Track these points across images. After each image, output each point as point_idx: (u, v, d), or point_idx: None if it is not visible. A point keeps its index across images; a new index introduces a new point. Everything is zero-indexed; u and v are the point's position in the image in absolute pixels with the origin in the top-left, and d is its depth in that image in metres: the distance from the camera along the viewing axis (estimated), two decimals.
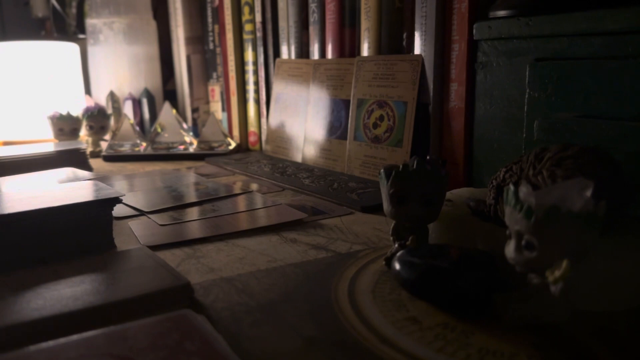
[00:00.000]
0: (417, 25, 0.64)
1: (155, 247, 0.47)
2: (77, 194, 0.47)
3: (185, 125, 1.05)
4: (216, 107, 1.11)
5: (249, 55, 0.96)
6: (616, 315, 0.33)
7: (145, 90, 1.14)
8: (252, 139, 1.00)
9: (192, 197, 0.64)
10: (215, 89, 1.11)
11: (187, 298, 0.36)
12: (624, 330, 0.31)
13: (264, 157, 0.88)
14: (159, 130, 1.01)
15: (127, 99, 1.13)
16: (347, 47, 0.77)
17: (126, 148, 0.97)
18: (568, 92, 0.50)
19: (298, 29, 0.85)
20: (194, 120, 1.16)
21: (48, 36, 1.50)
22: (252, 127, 0.99)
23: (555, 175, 0.35)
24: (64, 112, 0.97)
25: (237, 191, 0.67)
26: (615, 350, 0.29)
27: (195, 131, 1.14)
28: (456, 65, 0.61)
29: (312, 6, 0.81)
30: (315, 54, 0.82)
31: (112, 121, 1.05)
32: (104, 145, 1.01)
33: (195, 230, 0.52)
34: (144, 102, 1.14)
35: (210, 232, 0.51)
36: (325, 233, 0.51)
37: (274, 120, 0.90)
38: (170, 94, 1.22)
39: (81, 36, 1.40)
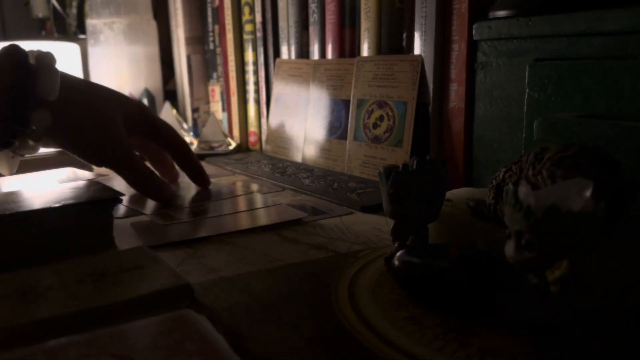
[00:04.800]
0: (417, 26, 0.64)
1: (155, 247, 0.47)
2: (77, 194, 0.47)
3: (185, 125, 1.05)
4: (216, 107, 1.11)
5: (249, 56, 0.96)
6: (616, 315, 0.33)
7: (145, 90, 1.14)
8: (252, 139, 1.00)
9: (192, 197, 0.64)
10: (216, 89, 1.11)
11: (187, 298, 0.36)
12: (624, 330, 0.31)
13: (264, 157, 0.88)
14: None
15: None
16: (347, 47, 0.77)
17: None
18: (568, 92, 0.50)
19: (298, 29, 0.85)
20: (194, 120, 1.16)
21: (48, 36, 1.50)
22: (252, 127, 0.99)
23: (555, 175, 0.35)
24: None
25: (238, 191, 0.67)
26: (615, 350, 0.29)
27: (196, 131, 1.14)
28: (456, 66, 0.61)
29: (312, 6, 0.81)
30: (315, 54, 0.82)
31: None
32: None
33: (195, 230, 0.52)
34: (144, 102, 1.14)
35: (210, 232, 0.51)
36: (325, 233, 0.51)
37: (274, 120, 0.90)
38: (171, 94, 1.22)
39: (81, 36, 1.40)
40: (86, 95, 0.56)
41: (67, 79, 0.54)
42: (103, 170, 0.85)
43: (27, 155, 0.76)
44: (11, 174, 0.56)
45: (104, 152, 0.55)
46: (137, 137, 0.61)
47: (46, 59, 0.51)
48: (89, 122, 0.53)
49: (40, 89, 0.50)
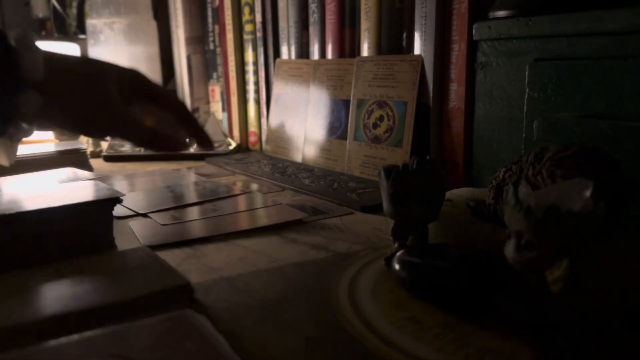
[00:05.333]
0: (417, 26, 0.64)
1: (155, 247, 0.47)
2: (77, 194, 0.47)
3: None
4: (216, 107, 1.11)
5: (249, 56, 0.96)
6: (616, 315, 0.33)
7: None
8: (252, 139, 1.00)
9: (192, 197, 0.64)
10: (216, 89, 1.11)
11: (188, 298, 0.36)
12: (624, 330, 0.31)
13: (264, 157, 0.88)
14: None
15: None
16: (347, 47, 0.77)
17: (126, 148, 0.97)
18: (568, 92, 0.50)
19: (298, 29, 0.85)
20: None
21: (48, 36, 1.50)
22: (252, 127, 0.99)
23: (555, 175, 0.35)
24: None
25: (237, 191, 0.67)
26: (615, 350, 0.29)
27: None
28: (456, 66, 0.61)
29: (312, 6, 0.81)
30: (315, 54, 0.82)
31: None
32: (104, 145, 1.01)
33: (195, 230, 0.52)
34: None
35: (210, 232, 0.51)
36: (325, 233, 0.51)
37: (274, 120, 0.90)
38: None
39: (82, 36, 1.40)
40: (76, 70, 0.55)
41: (55, 57, 0.53)
42: (103, 170, 0.85)
43: (30, 154, 0.76)
44: (11, 163, 0.55)
45: (101, 124, 0.54)
46: (137, 104, 0.60)
47: (26, 39, 0.51)
48: (82, 97, 0.52)
49: (24, 70, 0.49)
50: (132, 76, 0.58)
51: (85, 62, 0.57)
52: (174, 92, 0.64)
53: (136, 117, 0.56)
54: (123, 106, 0.54)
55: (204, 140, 0.63)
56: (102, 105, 0.53)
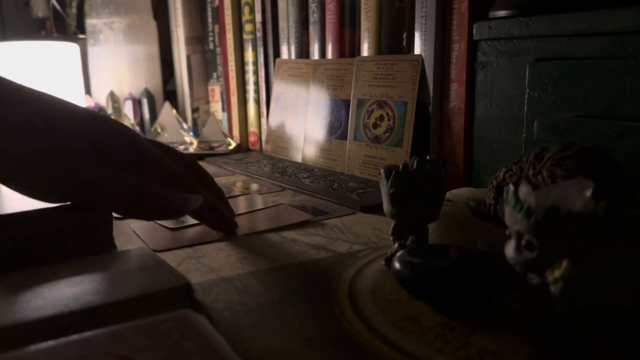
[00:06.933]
0: (417, 25, 0.64)
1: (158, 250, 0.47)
2: None
3: (185, 125, 1.05)
4: (216, 107, 1.11)
5: (249, 55, 0.96)
6: (616, 315, 0.33)
7: (145, 90, 1.14)
8: (252, 139, 1.00)
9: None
10: (215, 89, 1.11)
11: (187, 298, 0.36)
12: (624, 330, 0.31)
13: (264, 157, 0.88)
14: (159, 130, 1.01)
15: (127, 99, 1.13)
16: (347, 47, 0.77)
17: None
18: (568, 92, 0.50)
19: (298, 29, 0.85)
20: (194, 120, 1.16)
21: (48, 36, 1.50)
22: (252, 127, 0.99)
23: (555, 175, 0.35)
24: None
25: (237, 192, 0.67)
26: (615, 350, 0.29)
27: (195, 131, 1.14)
28: (456, 65, 0.61)
29: (312, 6, 0.81)
30: (315, 54, 0.82)
31: None
32: None
33: (198, 233, 0.52)
34: (144, 102, 1.14)
35: (214, 236, 0.50)
36: (325, 233, 0.51)
37: (274, 120, 0.90)
38: (170, 94, 1.22)
39: (81, 36, 1.40)
40: (26, 110, 0.40)
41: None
42: None
43: None
44: None
45: (62, 183, 0.39)
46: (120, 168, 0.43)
47: None
48: (33, 147, 0.39)
49: None
50: (109, 129, 0.43)
51: (41, 100, 0.42)
52: (180, 157, 0.50)
53: (113, 173, 0.41)
54: (93, 157, 0.41)
55: (230, 228, 0.50)
56: (62, 156, 0.39)
